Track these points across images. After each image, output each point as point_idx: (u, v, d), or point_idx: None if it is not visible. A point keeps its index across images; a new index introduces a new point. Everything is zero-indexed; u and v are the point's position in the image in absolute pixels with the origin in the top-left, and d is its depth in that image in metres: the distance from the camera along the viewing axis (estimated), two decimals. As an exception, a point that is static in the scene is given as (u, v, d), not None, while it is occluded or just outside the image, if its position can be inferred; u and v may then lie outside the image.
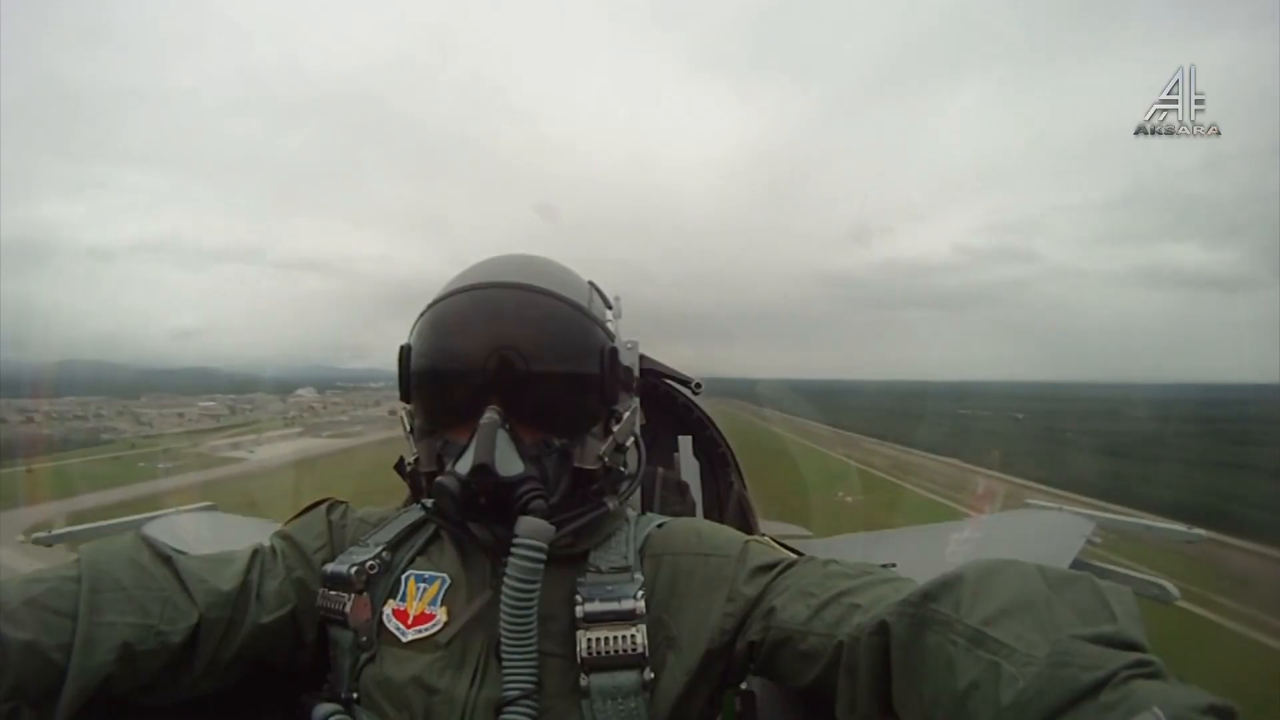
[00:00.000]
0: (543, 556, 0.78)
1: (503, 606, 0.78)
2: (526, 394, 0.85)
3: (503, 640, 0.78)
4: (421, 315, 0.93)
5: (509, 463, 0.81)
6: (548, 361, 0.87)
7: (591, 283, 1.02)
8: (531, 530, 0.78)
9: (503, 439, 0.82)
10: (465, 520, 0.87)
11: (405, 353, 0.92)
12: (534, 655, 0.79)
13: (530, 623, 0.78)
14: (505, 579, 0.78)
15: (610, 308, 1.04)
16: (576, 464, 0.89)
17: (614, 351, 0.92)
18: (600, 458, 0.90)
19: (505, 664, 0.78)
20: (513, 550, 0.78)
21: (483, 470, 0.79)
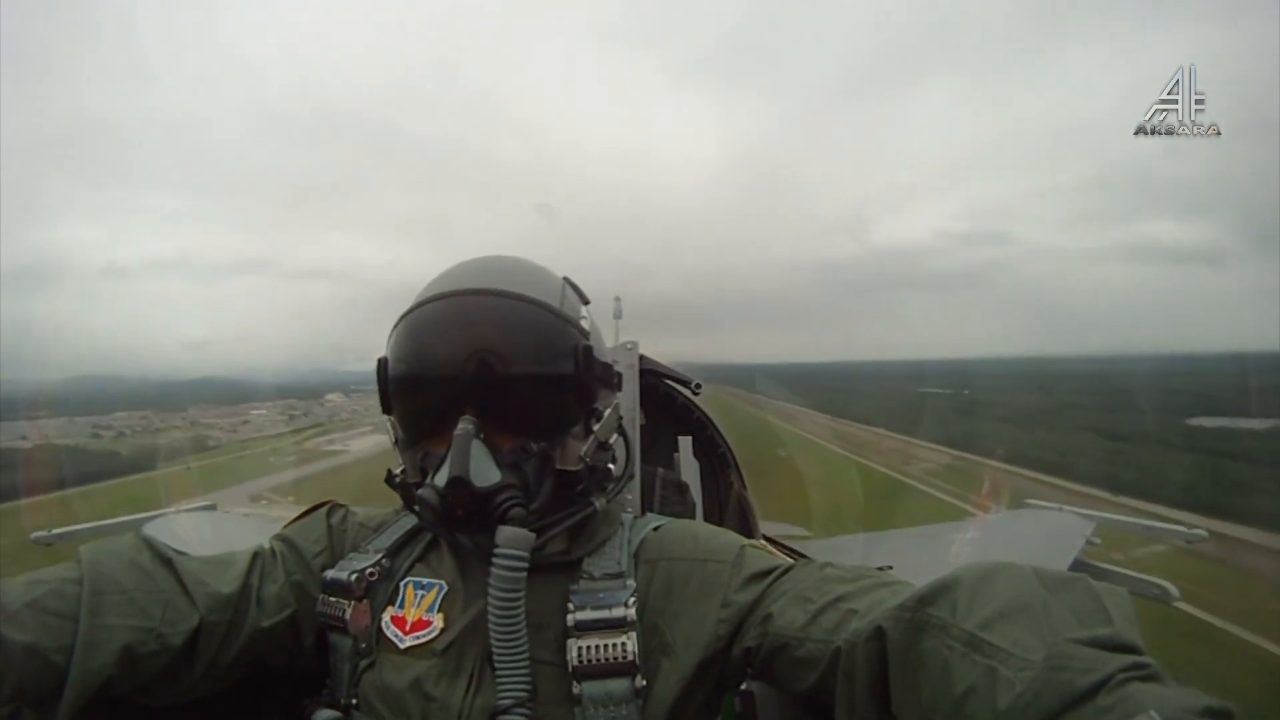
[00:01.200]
0: (524, 565, 0.78)
1: (490, 616, 0.78)
2: (499, 400, 0.84)
3: (493, 649, 0.79)
4: (395, 326, 0.91)
5: (485, 473, 0.80)
6: (519, 366, 0.85)
7: (566, 279, 1.00)
8: (511, 539, 0.78)
9: (478, 449, 0.81)
10: (449, 531, 0.86)
11: (383, 365, 0.91)
12: (526, 663, 0.79)
13: (519, 631, 0.78)
14: (489, 589, 0.78)
15: (587, 303, 1.02)
16: (558, 466, 0.87)
17: (588, 349, 0.90)
18: (582, 458, 0.89)
19: (498, 673, 0.79)
20: (494, 561, 0.78)
21: (458, 483, 0.78)
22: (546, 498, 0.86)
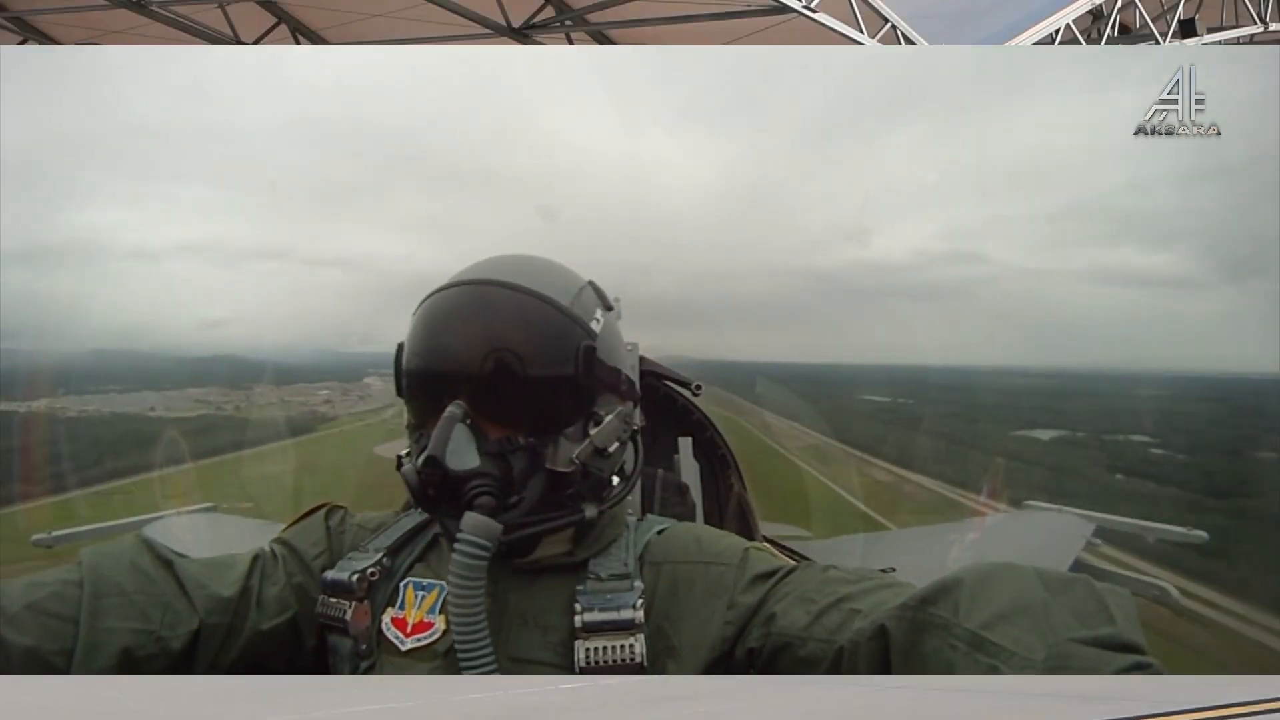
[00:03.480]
0: (485, 555, 0.76)
1: (450, 609, 0.77)
2: (489, 389, 0.84)
3: (455, 643, 0.77)
4: (414, 314, 0.92)
5: (462, 457, 0.80)
6: (511, 356, 0.84)
7: (591, 283, 0.99)
8: (474, 527, 0.76)
9: (460, 433, 0.80)
10: (426, 510, 0.86)
11: (400, 350, 0.92)
12: (489, 657, 0.77)
13: (479, 623, 0.77)
14: (449, 577, 0.77)
15: (609, 309, 1.00)
16: (548, 465, 0.85)
17: (590, 350, 0.87)
18: (573, 460, 0.86)
19: (462, 669, 0.77)
20: (455, 547, 0.76)
21: (432, 462, 0.78)
22: (533, 496, 0.84)
